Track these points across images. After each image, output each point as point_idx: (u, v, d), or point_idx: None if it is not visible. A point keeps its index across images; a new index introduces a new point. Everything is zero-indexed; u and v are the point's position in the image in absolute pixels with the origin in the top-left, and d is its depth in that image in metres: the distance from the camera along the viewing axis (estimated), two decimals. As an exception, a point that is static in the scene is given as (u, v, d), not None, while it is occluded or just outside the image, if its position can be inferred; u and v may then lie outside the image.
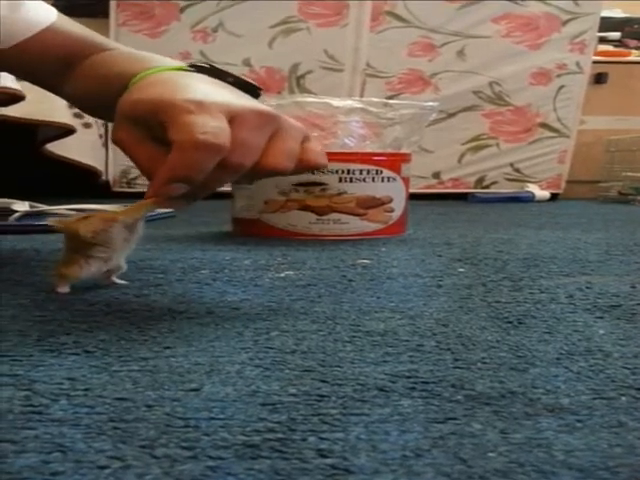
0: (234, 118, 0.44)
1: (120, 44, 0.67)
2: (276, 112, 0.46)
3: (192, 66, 0.52)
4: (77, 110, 1.74)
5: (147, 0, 1.82)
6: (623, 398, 0.30)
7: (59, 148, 1.68)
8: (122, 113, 0.47)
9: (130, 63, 0.56)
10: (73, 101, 0.69)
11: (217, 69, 0.52)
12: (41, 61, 0.65)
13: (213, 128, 0.42)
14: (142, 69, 0.52)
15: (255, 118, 0.44)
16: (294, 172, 0.47)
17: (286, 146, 0.46)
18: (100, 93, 0.60)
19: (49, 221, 0.52)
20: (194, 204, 0.46)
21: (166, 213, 1.16)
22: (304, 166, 0.47)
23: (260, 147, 0.45)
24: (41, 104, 1.49)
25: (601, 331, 0.42)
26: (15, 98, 1.36)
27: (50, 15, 0.65)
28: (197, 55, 1.84)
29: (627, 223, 1.24)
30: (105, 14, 1.81)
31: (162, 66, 0.52)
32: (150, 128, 0.45)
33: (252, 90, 0.53)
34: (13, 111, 1.45)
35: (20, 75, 0.74)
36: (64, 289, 0.51)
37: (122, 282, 0.55)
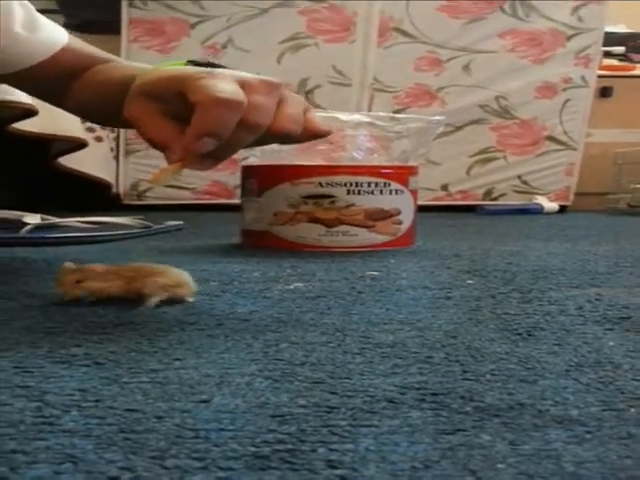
0: (244, 85, 0.46)
1: (125, 61, 0.69)
2: (280, 81, 0.49)
3: (191, 62, 0.54)
4: (89, 124, 1.76)
5: (158, 17, 1.84)
6: (632, 410, 0.30)
7: (71, 161, 1.69)
8: (138, 90, 0.49)
9: (131, 69, 0.59)
10: (74, 109, 0.70)
11: (216, 65, 0.53)
12: (53, 80, 0.66)
13: (230, 87, 0.45)
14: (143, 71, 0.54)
15: (263, 85, 0.47)
16: (301, 140, 0.51)
17: (293, 111, 0.49)
18: (100, 98, 0.62)
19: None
20: (219, 164, 0.48)
21: (175, 226, 1.17)
22: (309, 133, 0.50)
23: (272, 109, 0.47)
24: (54, 119, 1.51)
25: (610, 343, 0.42)
26: (28, 113, 1.38)
27: (63, 35, 0.67)
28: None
29: (636, 235, 1.24)
30: (117, 31, 1.83)
31: (161, 64, 0.54)
32: (166, 102, 0.47)
33: None
34: (26, 125, 1.46)
35: (31, 93, 0.76)
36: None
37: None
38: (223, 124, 0.44)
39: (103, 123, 0.75)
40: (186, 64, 0.53)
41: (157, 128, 0.48)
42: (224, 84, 0.45)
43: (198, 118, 0.44)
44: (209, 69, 0.47)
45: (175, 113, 0.47)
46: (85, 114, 0.72)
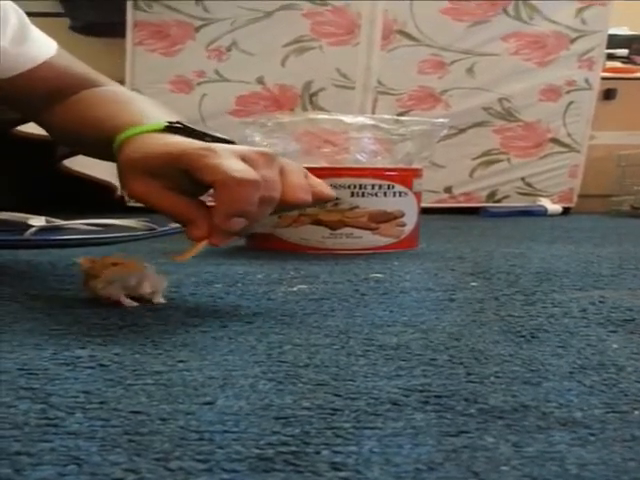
0: (246, 160, 0.47)
1: (112, 81, 0.69)
2: (274, 152, 0.50)
3: (169, 127, 0.53)
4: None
5: (163, 20, 1.85)
6: (636, 412, 0.30)
7: (76, 164, 1.70)
8: (134, 167, 0.49)
9: (113, 110, 0.59)
10: (49, 131, 0.70)
11: (192, 129, 0.53)
12: (29, 93, 0.66)
13: (241, 165, 0.45)
14: (127, 122, 0.54)
15: (262, 157, 0.48)
16: (310, 205, 0.52)
17: (299, 181, 0.49)
18: (79, 131, 0.62)
19: (79, 259, 0.53)
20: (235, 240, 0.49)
21: (179, 228, 1.17)
22: (317, 199, 0.52)
23: (279, 181, 0.48)
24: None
25: (614, 345, 0.42)
26: (33, 115, 1.38)
27: (49, 50, 0.66)
28: (212, 74, 1.86)
29: (641, 237, 1.23)
30: (122, 34, 1.84)
31: (144, 126, 0.53)
32: (169, 179, 0.47)
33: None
34: (31, 128, 1.47)
35: (6, 105, 0.76)
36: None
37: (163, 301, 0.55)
38: (250, 202, 0.45)
39: (78, 151, 0.75)
40: (164, 129, 0.52)
41: (172, 204, 0.48)
42: (234, 162, 0.46)
43: (225, 199, 0.45)
44: (206, 144, 0.48)
45: (178, 188, 0.48)
46: (60, 139, 0.72)
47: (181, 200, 0.48)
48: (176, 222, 0.50)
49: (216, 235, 0.47)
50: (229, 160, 0.46)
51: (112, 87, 0.68)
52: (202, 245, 0.48)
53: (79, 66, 0.68)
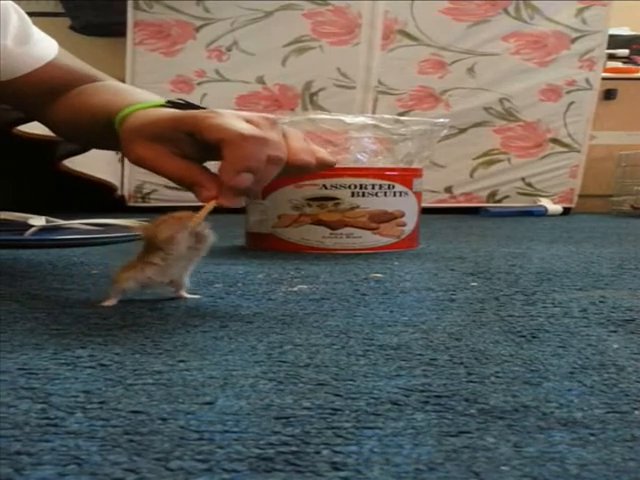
0: (250, 122, 0.47)
1: (111, 78, 0.69)
2: (275, 117, 0.49)
3: (169, 102, 0.54)
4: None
5: (164, 20, 1.85)
6: (636, 412, 0.30)
7: (76, 164, 1.70)
8: (139, 133, 0.49)
9: (113, 95, 0.59)
10: (52, 126, 0.70)
11: (195, 105, 0.54)
12: (34, 93, 0.66)
13: (246, 125, 0.46)
14: (126, 103, 0.54)
15: (266, 121, 0.48)
16: (313, 169, 0.51)
17: (302, 144, 0.50)
18: (81, 121, 0.62)
19: (132, 228, 0.53)
20: (247, 202, 0.50)
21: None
22: (320, 163, 0.51)
23: (283, 143, 0.48)
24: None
25: (615, 345, 0.42)
26: (34, 116, 1.38)
27: (52, 50, 0.67)
28: (212, 73, 1.86)
29: (641, 237, 1.23)
30: (123, 34, 1.84)
31: (147, 102, 0.54)
32: (173, 143, 0.47)
33: None
34: (32, 128, 1.47)
35: (10, 104, 0.76)
36: (111, 302, 0.52)
37: (193, 296, 0.55)
38: (258, 158, 0.45)
39: (80, 144, 0.75)
40: (164, 104, 0.53)
41: (178, 168, 0.49)
42: (238, 121, 0.46)
43: (232, 155, 0.45)
44: (210, 109, 0.49)
45: (183, 153, 0.48)
46: (62, 134, 0.72)
47: (187, 164, 0.48)
48: (182, 186, 0.49)
49: (224, 195, 0.47)
50: (234, 120, 0.46)
51: (112, 81, 0.68)
52: (211, 206, 0.48)
53: (79, 64, 0.68)
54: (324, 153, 0.53)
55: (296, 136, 0.50)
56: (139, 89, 0.63)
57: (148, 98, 0.57)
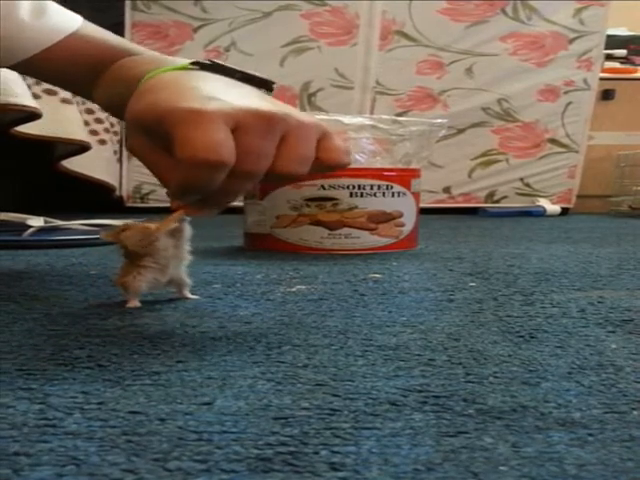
0: (238, 125, 0.42)
1: (150, 51, 0.65)
2: (285, 111, 0.44)
3: (196, 63, 0.50)
4: (93, 127, 1.76)
5: (161, 20, 1.85)
6: (635, 412, 0.30)
7: (75, 164, 1.70)
8: (131, 122, 0.47)
9: (146, 65, 0.55)
10: (102, 106, 0.67)
11: (222, 66, 0.50)
12: (68, 68, 0.64)
13: (214, 143, 0.41)
14: (152, 68, 0.51)
15: (260, 123, 0.43)
16: (314, 171, 0.46)
17: (297, 151, 0.44)
18: (122, 97, 0.59)
19: (100, 234, 0.53)
20: (219, 211, 0.47)
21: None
22: (323, 166, 0.46)
23: (270, 153, 0.43)
24: (57, 122, 1.51)
25: (613, 345, 0.42)
26: (32, 116, 1.38)
27: (74, 22, 0.64)
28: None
29: (639, 237, 1.24)
30: (121, 34, 1.84)
31: (165, 67, 0.51)
32: (158, 137, 0.45)
33: (264, 84, 0.51)
34: (30, 128, 1.47)
35: (49, 81, 0.73)
36: (134, 303, 0.52)
37: (195, 297, 0.56)
38: (204, 184, 0.42)
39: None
40: (190, 66, 0.51)
41: (156, 166, 0.46)
42: (210, 135, 0.41)
43: (178, 176, 0.42)
44: (201, 103, 0.43)
45: (167, 147, 0.44)
46: (112, 112, 0.68)
47: (168, 162, 0.45)
48: (161, 184, 0.47)
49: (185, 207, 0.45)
50: (207, 132, 0.41)
51: (150, 52, 0.65)
52: (178, 215, 0.47)
53: (112, 36, 0.66)
54: (334, 153, 0.47)
55: (301, 135, 0.45)
56: (179, 58, 0.56)
57: (176, 63, 0.53)
